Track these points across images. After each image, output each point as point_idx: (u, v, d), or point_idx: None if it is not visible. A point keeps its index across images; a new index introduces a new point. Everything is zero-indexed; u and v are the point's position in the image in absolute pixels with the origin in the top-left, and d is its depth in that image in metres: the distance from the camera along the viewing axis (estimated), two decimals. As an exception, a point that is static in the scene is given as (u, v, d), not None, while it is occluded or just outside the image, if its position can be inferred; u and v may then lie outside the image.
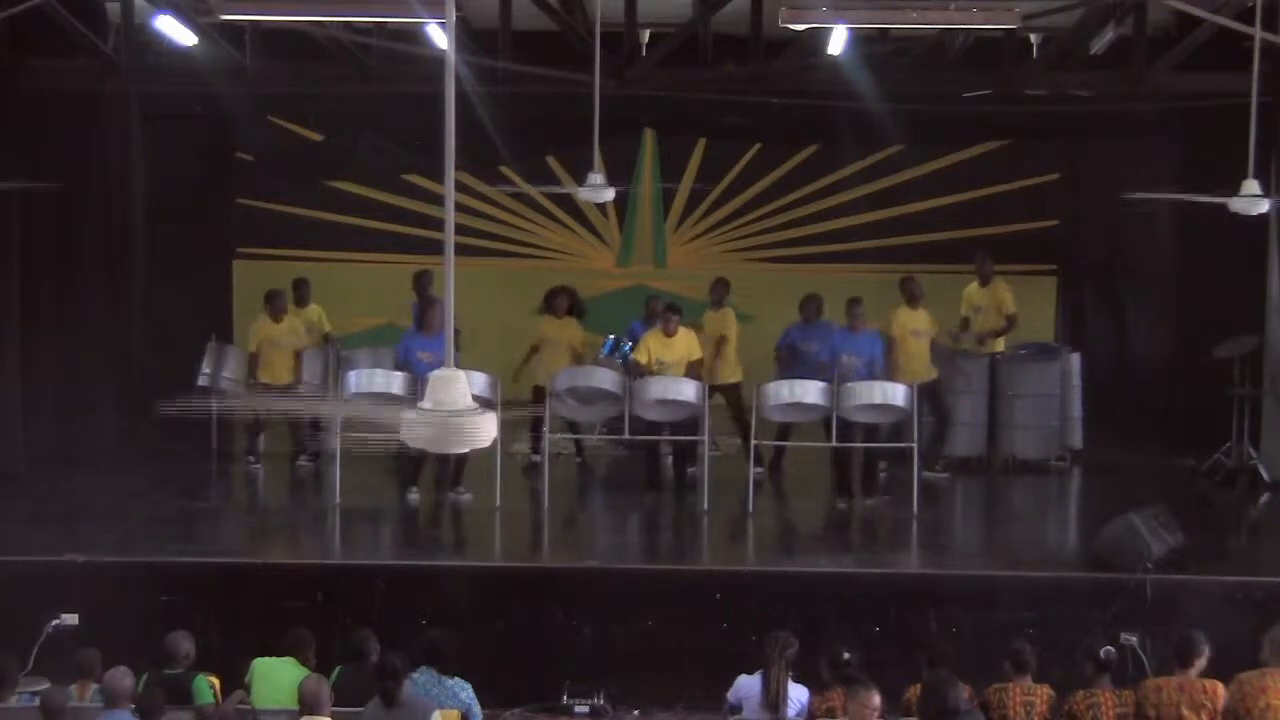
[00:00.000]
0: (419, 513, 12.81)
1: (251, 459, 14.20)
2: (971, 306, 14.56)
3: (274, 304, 14.17)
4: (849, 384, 12.59)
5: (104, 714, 8.26)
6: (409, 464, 12.87)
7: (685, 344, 13.30)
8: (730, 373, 13.91)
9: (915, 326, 13.74)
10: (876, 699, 8.07)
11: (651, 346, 13.23)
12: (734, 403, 13.87)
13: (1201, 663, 8.57)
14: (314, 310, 14.68)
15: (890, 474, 13.17)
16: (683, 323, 13.40)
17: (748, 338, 14.52)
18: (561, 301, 14.08)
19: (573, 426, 13.89)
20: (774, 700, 8.62)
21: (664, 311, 13.48)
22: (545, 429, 12.86)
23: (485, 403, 11.42)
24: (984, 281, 14.55)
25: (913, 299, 13.86)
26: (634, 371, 13.19)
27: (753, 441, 13.05)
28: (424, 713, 8.32)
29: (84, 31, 12.80)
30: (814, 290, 14.09)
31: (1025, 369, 14.48)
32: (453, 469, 12.83)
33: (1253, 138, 10.63)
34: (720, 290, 14.43)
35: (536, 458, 13.47)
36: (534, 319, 14.28)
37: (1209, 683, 8.46)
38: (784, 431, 13.52)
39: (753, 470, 12.98)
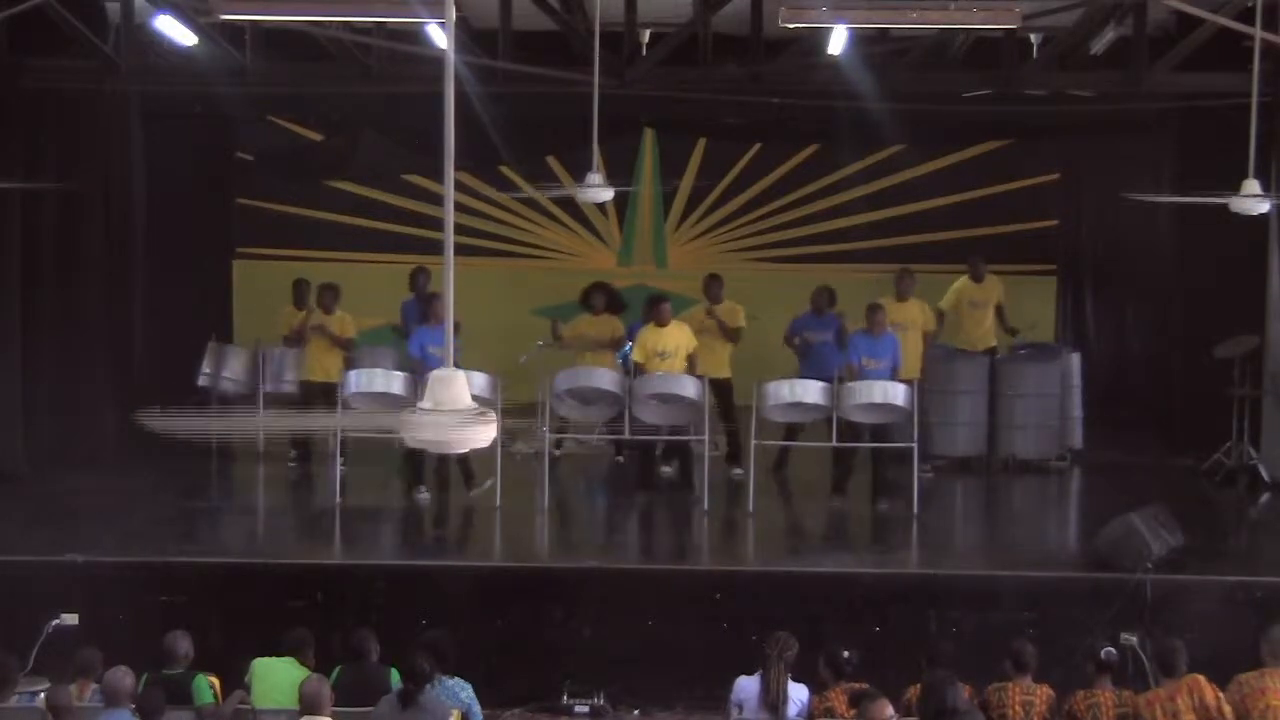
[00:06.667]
0: (419, 513, 12.81)
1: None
2: (966, 300, 14.69)
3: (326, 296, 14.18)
4: (849, 384, 12.59)
5: (104, 714, 8.27)
6: (414, 463, 12.89)
7: (680, 333, 13.29)
8: (726, 367, 13.91)
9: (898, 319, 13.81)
10: (888, 709, 8.05)
11: (648, 341, 13.19)
12: (726, 399, 13.84)
13: (1184, 668, 8.60)
14: (338, 317, 14.49)
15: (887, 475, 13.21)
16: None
17: (749, 337, 14.53)
18: (599, 298, 14.10)
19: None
20: (774, 700, 8.62)
21: (653, 303, 13.48)
22: (546, 428, 12.84)
23: (485, 403, 11.44)
24: (979, 278, 14.68)
25: (902, 293, 13.97)
26: (635, 374, 13.19)
27: (752, 442, 13.02)
28: (441, 717, 8.33)
29: (84, 31, 12.79)
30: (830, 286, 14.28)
31: (1025, 369, 14.48)
32: (465, 468, 12.86)
33: (1253, 138, 10.64)
34: (716, 286, 14.39)
35: (557, 451, 13.63)
36: (533, 319, 14.28)
37: (1190, 678, 8.50)
38: (791, 432, 13.50)
39: (734, 471, 13.18)
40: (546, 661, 10.64)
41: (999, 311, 14.85)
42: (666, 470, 13.78)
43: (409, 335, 13.90)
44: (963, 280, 14.82)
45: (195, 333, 14.79)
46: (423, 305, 13.83)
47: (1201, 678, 8.50)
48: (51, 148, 13.75)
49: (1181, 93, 13.87)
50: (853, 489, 13.02)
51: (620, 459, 14.27)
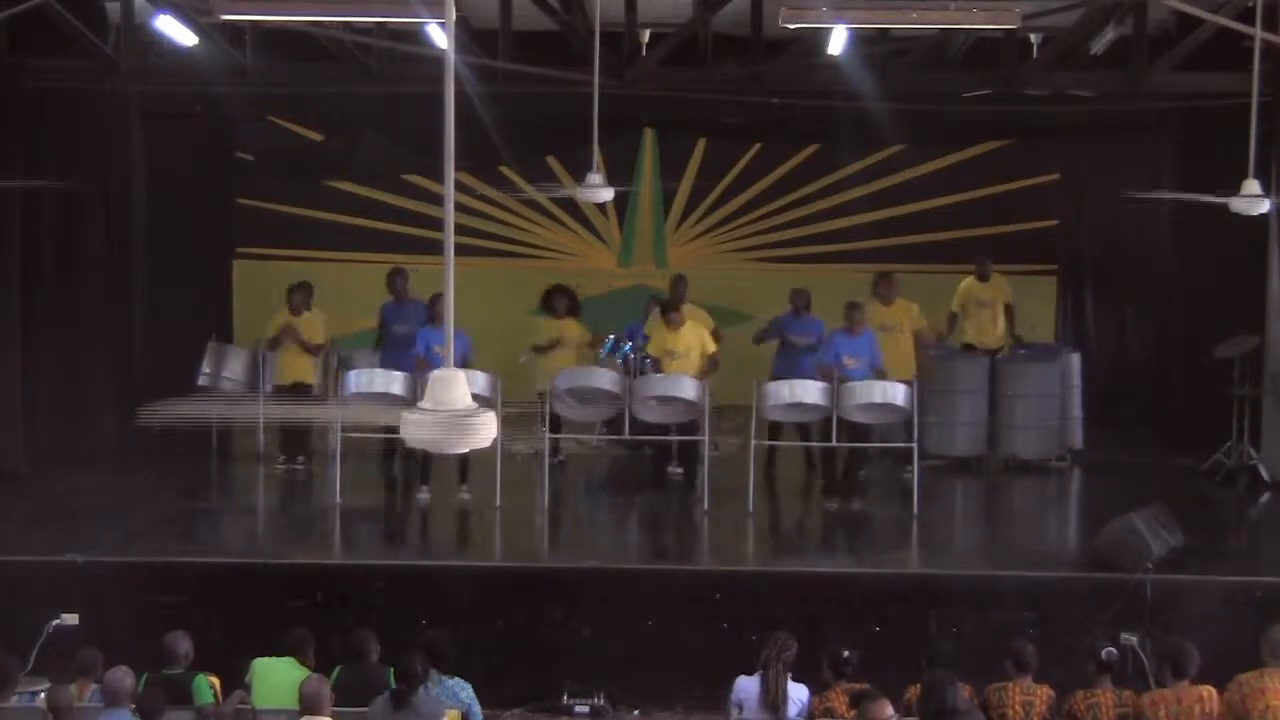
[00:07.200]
0: (419, 513, 12.81)
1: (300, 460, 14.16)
2: (973, 299, 14.76)
3: (296, 297, 14.17)
4: (849, 384, 12.60)
5: (104, 714, 8.27)
6: (417, 463, 12.91)
7: (694, 334, 13.33)
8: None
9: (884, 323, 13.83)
10: (888, 709, 8.04)
11: (662, 341, 13.34)
12: None
13: (1194, 671, 8.56)
14: (308, 318, 14.53)
15: (873, 475, 13.25)
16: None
17: (747, 337, 14.55)
18: (561, 301, 14.15)
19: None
20: (774, 700, 8.62)
21: (661, 311, 13.53)
22: (546, 429, 12.85)
23: (485, 403, 11.45)
24: (984, 278, 14.77)
25: (886, 297, 13.96)
26: (651, 367, 13.26)
27: (752, 442, 13.01)
28: (433, 717, 8.32)
29: (84, 31, 12.79)
30: (807, 287, 14.27)
31: (1025, 369, 14.48)
32: (459, 468, 12.85)
33: (1253, 138, 10.64)
34: (681, 287, 14.37)
35: (560, 458, 13.74)
36: (529, 318, 14.29)
37: (1205, 689, 8.45)
38: (775, 430, 13.52)
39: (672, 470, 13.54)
40: (546, 661, 10.63)
41: (1008, 313, 14.87)
42: (674, 471, 13.82)
43: (387, 336, 14.05)
44: (969, 280, 14.87)
45: (195, 333, 14.78)
46: (401, 305, 14.03)
47: (1216, 693, 8.45)
48: (51, 148, 13.75)
49: (1181, 93, 13.87)
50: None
51: (649, 452, 14.17)
